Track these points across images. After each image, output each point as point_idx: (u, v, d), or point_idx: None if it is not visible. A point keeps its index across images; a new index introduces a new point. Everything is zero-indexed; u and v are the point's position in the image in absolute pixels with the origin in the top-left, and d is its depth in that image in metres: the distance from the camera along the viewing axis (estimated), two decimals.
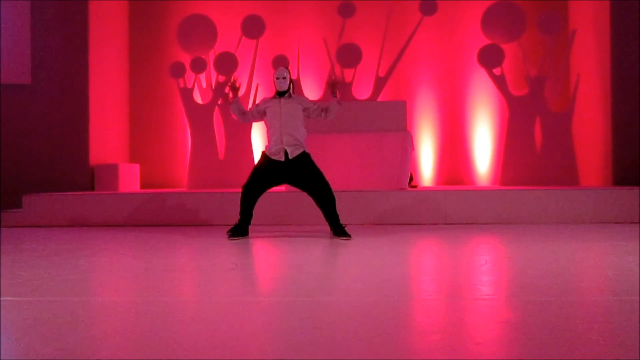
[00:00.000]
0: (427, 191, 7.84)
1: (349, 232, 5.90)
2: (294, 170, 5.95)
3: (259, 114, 6.18)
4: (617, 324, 2.67)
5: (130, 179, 9.75)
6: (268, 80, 10.24)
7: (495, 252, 5.32)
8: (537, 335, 2.47)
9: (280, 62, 9.93)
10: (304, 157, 5.97)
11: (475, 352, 2.30)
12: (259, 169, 6.04)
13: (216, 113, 9.95)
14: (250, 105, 7.77)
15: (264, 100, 6.23)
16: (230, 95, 6.22)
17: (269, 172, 5.99)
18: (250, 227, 6.14)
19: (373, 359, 2.23)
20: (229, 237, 5.91)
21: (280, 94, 6.06)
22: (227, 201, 7.52)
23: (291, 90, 6.11)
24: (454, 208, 7.37)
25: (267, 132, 6.13)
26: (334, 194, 5.96)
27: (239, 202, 6.08)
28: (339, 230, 5.88)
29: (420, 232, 6.55)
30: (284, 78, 6.03)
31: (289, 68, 9.47)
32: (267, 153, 6.03)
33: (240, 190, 6.14)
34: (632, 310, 2.86)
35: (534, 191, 7.50)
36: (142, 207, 7.71)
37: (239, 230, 5.98)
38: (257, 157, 9.71)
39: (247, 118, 6.26)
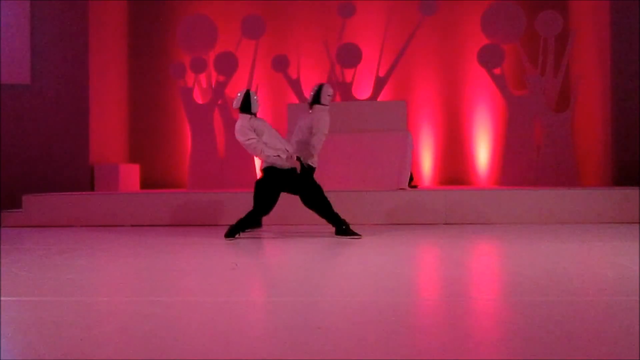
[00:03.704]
0: (427, 191, 7.84)
1: (348, 231, 5.88)
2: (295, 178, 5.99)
3: None
4: (617, 324, 2.67)
5: (130, 179, 9.74)
6: (268, 81, 10.25)
7: (495, 252, 5.33)
8: (537, 335, 2.47)
9: (281, 62, 9.93)
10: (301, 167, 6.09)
11: (475, 352, 2.30)
12: (276, 192, 6.01)
13: (216, 113, 9.95)
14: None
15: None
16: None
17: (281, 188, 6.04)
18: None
19: (373, 359, 2.23)
20: (225, 237, 5.88)
21: (311, 105, 6.30)
22: (227, 201, 7.51)
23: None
24: (454, 208, 7.36)
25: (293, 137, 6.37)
26: (331, 195, 5.96)
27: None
28: (340, 229, 5.86)
29: (420, 232, 6.55)
30: (330, 95, 6.36)
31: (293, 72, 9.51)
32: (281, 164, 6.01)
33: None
34: (632, 310, 2.86)
35: (534, 191, 7.49)
36: (142, 207, 7.71)
37: (234, 232, 5.93)
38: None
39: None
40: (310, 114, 6.27)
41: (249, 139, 5.93)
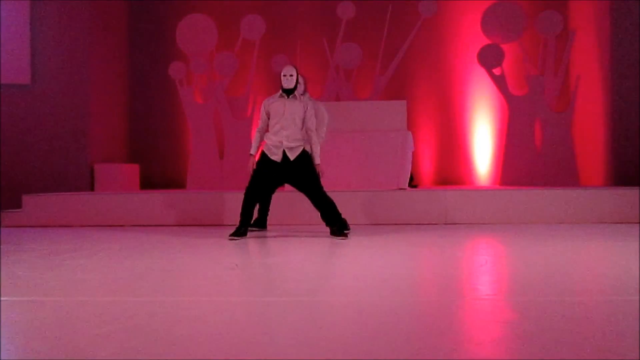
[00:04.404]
0: (427, 191, 7.84)
1: (347, 231, 5.90)
2: (293, 170, 5.97)
3: None
4: (617, 324, 2.67)
5: (130, 179, 9.74)
6: (268, 80, 10.25)
7: (495, 252, 5.33)
8: (537, 335, 2.47)
9: (280, 62, 9.92)
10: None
11: (475, 352, 2.30)
12: (259, 177, 6.02)
13: (216, 113, 9.95)
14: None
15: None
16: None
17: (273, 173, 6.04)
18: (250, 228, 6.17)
19: (373, 359, 2.23)
20: (229, 238, 5.90)
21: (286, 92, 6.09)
22: (227, 201, 7.51)
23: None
24: (454, 208, 7.37)
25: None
26: (331, 195, 5.97)
27: (239, 202, 6.07)
28: (334, 230, 5.87)
29: (420, 232, 6.55)
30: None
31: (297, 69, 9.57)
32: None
33: (238, 189, 6.14)
34: (632, 310, 2.86)
35: (534, 191, 7.50)
36: (142, 207, 7.71)
37: (239, 233, 5.95)
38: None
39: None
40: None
41: (259, 123, 6.06)
